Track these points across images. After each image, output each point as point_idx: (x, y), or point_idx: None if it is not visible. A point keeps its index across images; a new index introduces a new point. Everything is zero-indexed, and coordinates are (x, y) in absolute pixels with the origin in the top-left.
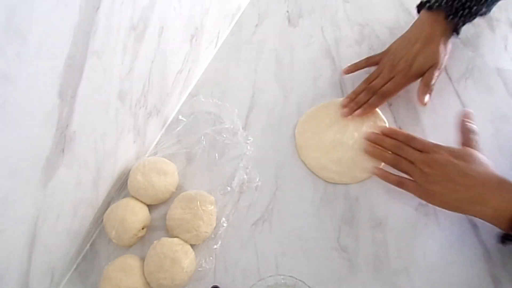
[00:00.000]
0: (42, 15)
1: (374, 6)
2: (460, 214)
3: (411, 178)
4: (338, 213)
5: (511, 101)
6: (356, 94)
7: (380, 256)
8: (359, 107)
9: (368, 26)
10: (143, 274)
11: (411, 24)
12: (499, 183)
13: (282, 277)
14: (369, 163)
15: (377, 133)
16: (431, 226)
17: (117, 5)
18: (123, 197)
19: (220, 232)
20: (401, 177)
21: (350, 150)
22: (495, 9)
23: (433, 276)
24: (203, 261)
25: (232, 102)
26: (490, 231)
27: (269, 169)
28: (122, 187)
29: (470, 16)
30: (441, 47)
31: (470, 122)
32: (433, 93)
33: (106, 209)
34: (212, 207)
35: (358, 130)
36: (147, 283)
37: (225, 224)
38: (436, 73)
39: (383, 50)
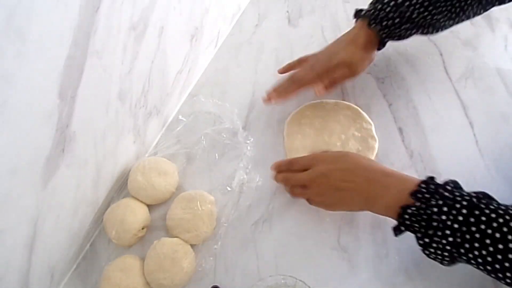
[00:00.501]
0: (42, 15)
1: None
2: None
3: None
4: (338, 213)
5: (511, 101)
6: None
7: (380, 256)
8: (276, 94)
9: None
10: (143, 274)
11: None
12: (384, 179)
13: (282, 277)
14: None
15: (278, 166)
16: None
17: (117, 5)
18: (123, 197)
19: (220, 232)
20: (305, 200)
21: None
22: (495, 9)
23: (433, 276)
24: (203, 261)
25: (232, 102)
26: None
27: (269, 169)
28: (122, 187)
29: (395, 29)
30: (361, 52)
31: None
32: (433, 93)
33: (106, 209)
34: (212, 207)
35: (345, 132)
36: (147, 283)
37: (225, 224)
38: (346, 74)
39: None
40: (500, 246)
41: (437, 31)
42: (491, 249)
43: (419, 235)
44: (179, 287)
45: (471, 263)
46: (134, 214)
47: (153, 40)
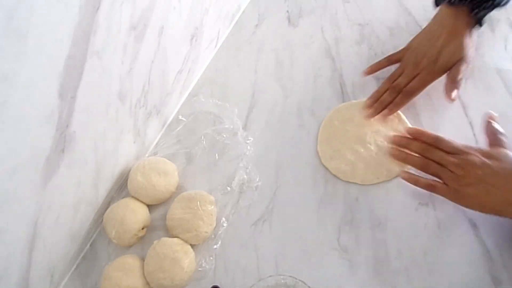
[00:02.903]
0: (42, 15)
1: (374, 6)
2: (460, 214)
3: (441, 181)
4: (338, 213)
5: (511, 101)
6: (380, 93)
7: (380, 256)
8: (384, 108)
9: (368, 26)
10: (143, 274)
11: (411, 23)
12: None
13: (282, 277)
14: (392, 166)
15: (402, 136)
16: (431, 226)
17: (117, 5)
18: (123, 197)
19: (220, 232)
20: (432, 180)
21: (373, 151)
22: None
23: (433, 276)
24: (203, 261)
25: (232, 102)
26: (490, 231)
27: (269, 169)
28: (122, 187)
29: (493, 7)
30: (467, 40)
31: (495, 123)
32: (433, 93)
33: (106, 209)
34: (212, 207)
35: (382, 132)
36: (147, 283)
37: (225, 224)
38: (463, 67)
39: (383, 50)
40: None
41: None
42: None
43: None
44: (179, 287)
45: None
46: (134, 214)
47: (153, 40)
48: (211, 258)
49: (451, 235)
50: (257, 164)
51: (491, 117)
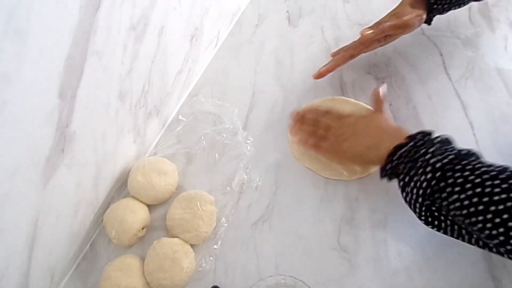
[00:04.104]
0: (42, 15)
1: (374, 6)
2: None
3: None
4: (338, 213)
5: (511, 101)
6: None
7: (380, 256)
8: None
9: (368, 26)
10: (143, 274)
11: None
12: (396, 129)
13: (282, 277)
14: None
15: (299, 111)
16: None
17: (117, 5)
18: (123, 197)
19: (220, 232)
20: (316, 140)
21: None
22: (495, 9)
23: (433, 276)
24: (203, 261)
25: (232, 102)
26: None
27: (269, 169)
28: (122, 187)
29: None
30: (408, 6)
31: (380, 93)
32: (433, 93)
33: (106, 209)
34: (212, 207)
35: None
36: (147, 283)
37: (225, 224)
38: (393, 20)
39: (383, 50)
40: (475, 199)
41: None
42: (468, 195)
43: (401, 176)
44: (179, 287)
45: (442, 206)
46: (134, 214)
47: (153, 40)
48: (211, 258)
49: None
50: (257, 164)
51: (379, 87)
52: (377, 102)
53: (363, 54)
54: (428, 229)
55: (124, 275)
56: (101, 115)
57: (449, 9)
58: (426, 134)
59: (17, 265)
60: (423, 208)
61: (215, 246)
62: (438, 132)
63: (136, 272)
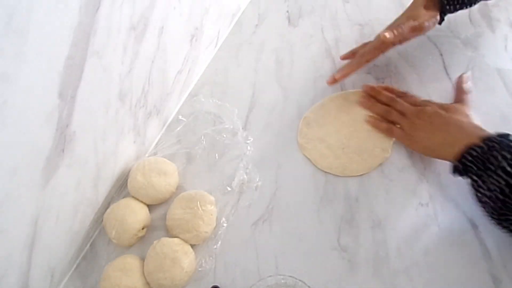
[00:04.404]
0: (42, 15)
1: (374, 6)
2: (460, 214)
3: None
4: (338, 213)
5: (511, 101)
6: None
7: (380, 256)
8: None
9: (368, 26)
10: (143, 274)
11: None
12: (474, 127)
13: (282, 277)
14: (378, 152)
15: (373, 86)
16: (431, 226)
17: (117, 5)
18: (123, 197)
19: (220, 232)
20: (390, 125)
21: (356, 142)
22: (495, 9)
23: (433, 276)
24: (203, 261)
25: (232, 102)
26: (490, 231)
27: (269, 169)
28: (122, 187)
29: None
30: (422, 8)
31: (463, 83)
32: (433, 93)
33: (106, 209)
34: (212, 207)
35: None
36: (147, 283)
37: (225, 224)
38: (411, 22)
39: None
40: None
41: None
42: None
43: (474, 177)
44: (179, 287)
45: None
46: (134, 214)
47: (153, 40)
48: (211, 258)
49: (451, 235)
50: (257, 164)
51: (463, 76)
52: (460, 92)
53: None
54: (427, 229)
55: (124, 275)
56: (101, 115)
57: (460, 9)
58: (503, 136)
59: (17, 265)
60: (497, 214)
61: (215, 246)
62: None
63: (136, 272)
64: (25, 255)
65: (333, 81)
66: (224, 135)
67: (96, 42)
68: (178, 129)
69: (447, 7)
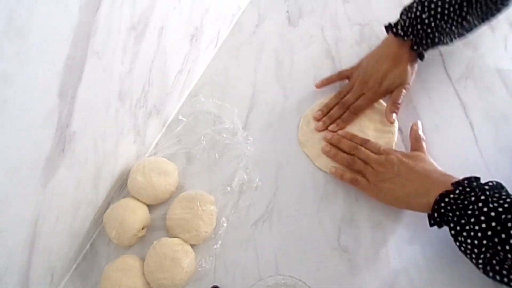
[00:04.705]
0: (42, 15)
1: (374, 6)
2: None
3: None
4: (338, 213)
5: (511, 101)
6: (328, 107)
7: (380, 256)
8: (331, 122)
9: (368, 26)
10: (143, 274)
11: None
12: (443, 176)
13: (282, 277)
14: None
15: (334, 134)
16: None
17: (117, 5)
18: (123, 197)
19: (220, 232)
20: (355, 175)
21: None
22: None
23: (433, 276)
24: (203, 261)
25: (232, 102)
26: None
27: (269, 169)
28: (122, 187)
29: (433, 44)
30: (408, 68)
31: (418, 130)
32: (433, 93)
33: (106, 209)
34: (212, 207)
35: (366, 125)
36: (147, 283)
37: (225, 224)
38: (403, 92)
39: None
40: None
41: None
42: None
43: (452, 224)
44: (179, 287)
45: (508, 259)
46: (134, 214)
47: (153, 40)
48: (211, 258)
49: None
50: (257, 164)
51: (416, 125)
52: (417, 140)
53: (363, 54)
54: (427, 229)
55: (124, 275)
56: (101, 115)
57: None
58: (473, 180)
59: (17, 265)
60: (481, 260)
61: (215, 246)
62: (438, 132)
63: (136, 272)
64: (25, 255)
65: (320, 129)
66: (224, 135)
67: (96, 42)
68: (178, 129)
69: (420, 49)
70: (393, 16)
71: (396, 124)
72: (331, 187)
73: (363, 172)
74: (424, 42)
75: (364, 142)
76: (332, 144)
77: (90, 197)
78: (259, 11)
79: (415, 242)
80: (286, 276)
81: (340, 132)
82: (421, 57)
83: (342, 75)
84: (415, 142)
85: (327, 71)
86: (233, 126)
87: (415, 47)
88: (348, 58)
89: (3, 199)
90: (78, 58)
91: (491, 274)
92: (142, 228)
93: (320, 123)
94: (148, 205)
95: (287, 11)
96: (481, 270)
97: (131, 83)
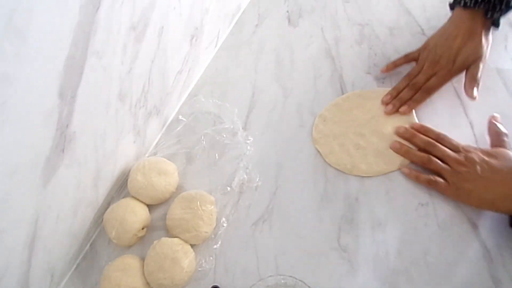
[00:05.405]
0: (42, 15)
1: (374, 6)
2: (460, 214)
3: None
4: (338, 213)
5: (511, 101)
6: (397, 90)
7: (380, 256)
8: (402, 104)
9: (368, 26)
10: (143, 274)
11: (411, 23)
12: None
13: (282, 277)
14: (394, 158)
15: (407, 128)
16: (431, 226)
17: (117, 5)
18: (123, 197)
19: (220, 232)
20: (432, 176)
21: (375, 144)
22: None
23: (433, 276)
24: (203, 261)
25: (232, 102)
26: (490, 231)
27: (269, 169)
28: (122, 187)
29: (508, 9)
30: (483, 40)
31: (499, 124)
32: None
33: (106, 209)
34: (212, 207)
35: (387, 124)
36: (147, 283)
37: (225, 224)
38: (481, 66)
39: (383, 50)
40: None
41: None
42: None
43: None
44: (179, 287)
45: None
46: (134, 214)
47: (153, 40)
48: (211, 258)
49: (451, 235)
50: (257, 164)
51: (495, 119)
52: (497, 134)
53: (364, 54)
54: (427, 229)
55: (124, 275)
56: (101, 115)
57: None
58: None
59: (17, 265)
60: None
61: (215, 246)
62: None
63: (136, 272)
64: (25, 255)
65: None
66: (224, 135)
67: (96, 42)
68: (178, 129)
69: (494, 16)
70: (393, 16)
71: (416, 120)
72: (331, 187)
73: (440, 172)
74: (498, 6)
75: (441, 138)
76: (405, 138)
77: (90, 197)
78: (259, 11)
79: (415, 242)
80: (286, 276)
81: (414, 125)
82: (497, 24)
83: (409, 58)
84: (496, 137)
85: (327, 71)
86: (233, 126)
87: (489, 15)
88: (348, 58)
89: (3, 199)
90: (78, 58)
91: None
92: (142, 228)
93: (390, 105)
94: (148, 205)
95: (287, 11)
96: None
97: (131, 83)
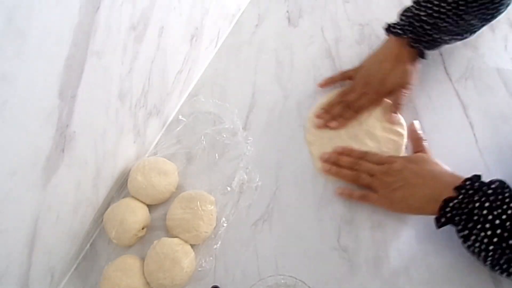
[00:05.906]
0: (42, 15)
1: (374, 6)
2: None
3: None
4: (338, 213)
5: (511, 101)
6: (331, 106)
7: (380, 256)
8: (332, 119)
9: (368, 26)
10: (143, 274)
11: None
12: (450, 176)
13: (282, 277)
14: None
15: (331, 153)
16: (431, 226)
17: (117, 5)
18: (123, 197)
19: (220, 232)
20: (364, 191)
21: (368, 144)
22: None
23: (433, 276)
24: (203, 261)
25: (232, 102)
26: None
27: (269, 169)
28: (122, 187)
29: (434, 43)
30: (409, 68)
31: (418, 131)
32: (433, 93)
33: (106, 209)
34: (212, 207)
35: (373, 124)
36: (147, 283)
37: (225, 224)
38: (405, 92)
39: None
40: None
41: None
42: None
43: (459, 227)
44: (179, 287)
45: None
46: (134, 214)
47: (153, 40)
48: (211, 258)
49: (451, 235)
50: (257, 164)
51: (414, 125)
52: (417, 140)
53: (364, 54)
54: (427, 229)
55: (124, 275)
56: (101, 115)
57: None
58: (475, 181)
59: (17, 265)
60: (489, 260)
61: (215, 246)
62: (438, 132)
63: (136, 272)
64: (25, 255)
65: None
66: (224, 135)
67: (96, 42)
68: (178, 129)
69: (424, 49)
70: (393, 16)
71: (403, 122)
72: (331, 187)
73: (370, 185)
74: (422, 38)
75: (363, 155)
76: (330, 164)
77: (90, 197)
78: (259, 11)
79: (415, 242)
80: (286, 276)
81: (337, 149)
82: (422, 55)
83: (345, 76)
84: (416, 143)
85: (327, 71)
86: (233, 126)
87: (413, 44)
88: (348, 58)
89: (3, 199)
90: (78, 58)
91: (498, 272)
92: (142, 228)
93: (321, 120)
94: (148, 205)
95: (287, 11)
96: (488, 267)
97: (131, 83)
